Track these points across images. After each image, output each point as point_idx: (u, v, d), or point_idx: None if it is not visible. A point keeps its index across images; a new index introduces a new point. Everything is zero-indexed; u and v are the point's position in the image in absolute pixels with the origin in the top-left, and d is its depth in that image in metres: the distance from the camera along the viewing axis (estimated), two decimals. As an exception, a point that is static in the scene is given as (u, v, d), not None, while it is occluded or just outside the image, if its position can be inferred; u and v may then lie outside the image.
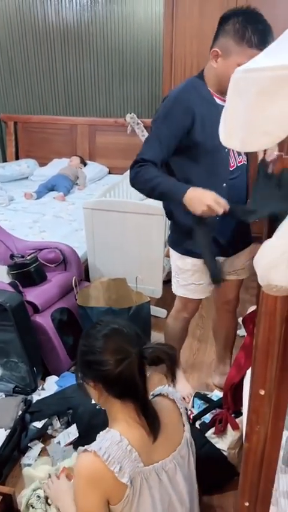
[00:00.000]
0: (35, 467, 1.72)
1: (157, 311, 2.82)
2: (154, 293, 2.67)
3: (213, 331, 2.27)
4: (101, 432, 1.18)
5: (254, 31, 1.46)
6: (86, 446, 1.13)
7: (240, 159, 1.75)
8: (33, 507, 1.42)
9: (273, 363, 0.86)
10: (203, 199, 1.46)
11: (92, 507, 1.09)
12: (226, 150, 1.67)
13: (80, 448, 1.18)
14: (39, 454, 1.85)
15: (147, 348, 1.15)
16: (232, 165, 1.71)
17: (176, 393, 1.34)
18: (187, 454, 1.26)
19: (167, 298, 2.96)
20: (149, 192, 1.63)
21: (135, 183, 1.67)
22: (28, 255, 2.44)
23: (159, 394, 1.32)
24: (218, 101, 1.69)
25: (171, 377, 1.19)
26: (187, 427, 1.29)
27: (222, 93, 1.66)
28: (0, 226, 2.66)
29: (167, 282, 3.20)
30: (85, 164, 4.38)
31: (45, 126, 4.61)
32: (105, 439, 1.12)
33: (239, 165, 1.73)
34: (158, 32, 3.94)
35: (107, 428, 1.18)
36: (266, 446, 0.96)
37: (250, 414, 0.94)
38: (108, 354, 1.13)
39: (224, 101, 1.72)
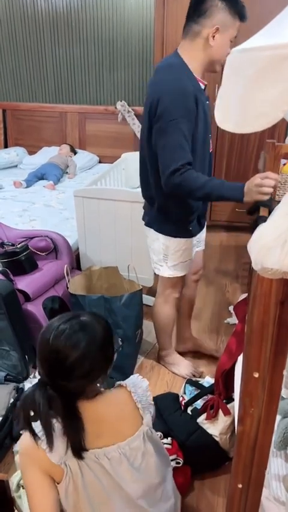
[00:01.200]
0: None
1: (148, 300, 2.81)
2: (146, 282, 2.66)
3: (182, 303, 2.32)
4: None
5: (242, 5, 1.62)
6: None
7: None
8: (23, 487, 1.42)
9: (267, 346, 0.87)
10: (257, 188, 1.49)
11: (33, 481, 1.13)
12: (210, 134, 1.78)
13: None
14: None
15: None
16: (211, 149, 1.86)
17: (139, 385, 1.28)
18: (141, 446, 1.21)
19: (156, 287, 2.97)
20: (201, 196, 1.68)
21: (182, 191, 1.67)
22: (18, 243, 2.42)
23: (122, 385, 1.28)
24: (201, 85, 1.74)
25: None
26: (146, 420, 1.23)
27: (204, 75, 1.73)
28: (-11, 214, 2.63)
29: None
30: (75, 153, 4.34)
31: (34, 113, 4.55)
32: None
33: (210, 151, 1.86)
34: (150, 18, 3.90)
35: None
36: (259, 429, 0.97)
37: (244, 397, 0.95)
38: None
39: (204, 84, 1.73)
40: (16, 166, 4.37)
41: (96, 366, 1.14)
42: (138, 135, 4.20)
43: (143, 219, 2.05)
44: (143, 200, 2.47)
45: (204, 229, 2.18)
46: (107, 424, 1.17)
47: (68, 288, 2.23)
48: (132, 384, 1.26)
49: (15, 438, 1.85)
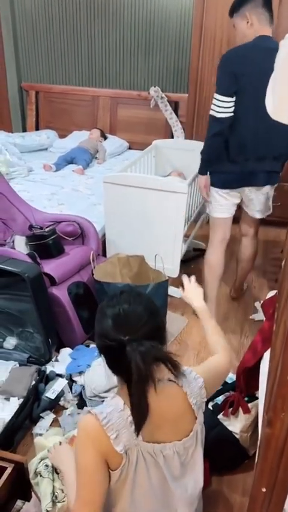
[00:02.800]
0: (46, 437, 1.73)
1: (173, 291, 2.78)
2: (171, 272, 2.64)
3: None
4: (108, 397, 1.18)
5: None
6: (90, 408, 1.14)
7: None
8: (41, 475, 1.43)
9: (304, 349, 0.83)
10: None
11: (89, 462, 1.09)
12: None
13: (85, 409, 1.19)
14: (50, 425, 1.86)
15: (140, 345, 1.08)
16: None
17: (196, 381, 1.25)
18: (193, 446, 1.22)
19: (181, 278, 2.94)
20: None
21: None
22: (46, 227, 2.42)
23: (174, 381, 1.26)
24: None
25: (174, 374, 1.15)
26: (200, 419, 1.24)
27: None
28: (20, 197, 2.64)
29: (184, 261, 3.17)
30: (105, 138, 4.31)
31: (66, 96, 4.52)
32: (109, 405, 1.12)
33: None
34: (189, 3, 3.79)
35: (114, 393, 1.18)
36: (288, 433, 0.93)
37: (275, 400, 0.91)
38: (106, 330, 1.12)
39: None
40: (46, 149, 4.37)
41: (161, 324, 1.19)
42: (170, 121, 4.13)
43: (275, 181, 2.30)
44: (173, 190, 2.43)
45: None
46: (166, 420, 1.16)
47: (93, 274, 2.21)
48: (187, 383, 1.22)
49: (35, 420, 1.87)
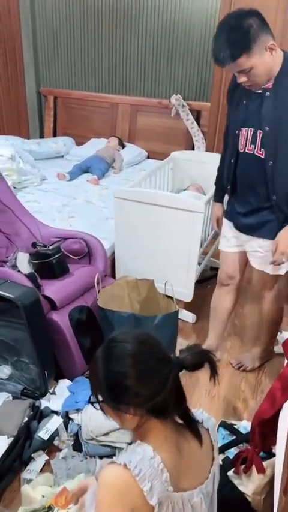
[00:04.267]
0: (35, 485, 1.57)
1: (186, 315, 2.59)
2: (184, 297, 2.44)
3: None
4: (131, 444, 1.01)
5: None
6: (113, 458, 0.97)
7: (251, 148, 1.74)
8: None
9: None
10: None
11: None
12: (237, 132, 1.77)
13: (106, 460, 1.03)
14: (41, 469, 1.68)
15: (187, 357, 1.01)
16: (241, 148, 1.77)
17: (210, 421, 1.16)
18: (211, 490, 1.10)
19: (196, 301, 2.73)
20: None
21: None
22: (51, 244, 2.26)
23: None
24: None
25: (214, 377, 1.04)
26: (216, 461, 1.11)
27: None
28: (26, 209, 2.49)
29: (200, 282, 2.96)
30: (123, 146, 4.14)
31: (85, 103, 4.38)
32: (136, 452, 0.95)
33: (246, 151, 1.76)
34: (214, 10, 3.60)
35: (138, 441, 1.00)
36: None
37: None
38: (150, 373, 0.96)
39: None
40: (62, 157, 4.23)
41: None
42: (192, 131, 3.94)
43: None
44: (189, 208, 2.24)
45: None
46: (192, 461, 1.04)
47: (97, 299, 2.04)
48: (206, 421, 1.13)
49: (25, 462, 1.70)
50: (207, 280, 2.97)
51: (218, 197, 2.09)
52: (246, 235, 1.92)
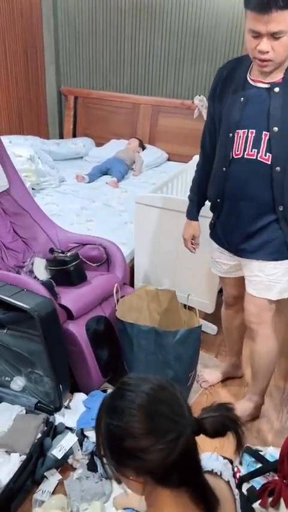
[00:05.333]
0: (47, 509, 1.48)
1: (207, 326, 2.48)
2: (206, 307, 2.33)
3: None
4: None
5: None
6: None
7: (252, 153, 1.48)
8: None
9: None
10: None
11: None
12: (231, 135, 1.51)
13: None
14: (55, 488, 1.60)
15: (207, 418, 0.84)
16: (237, 153, 1.51)
17: (227, 467, 1.02)
18: None
19: (217, 312, 2.61)
20: None
21: None
22: (69, 250, 2.17)
23: (210, 471, 1.00)
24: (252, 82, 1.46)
25: (239, 449, 0.89)
26: None
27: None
28: (44, 213, 2.41)
29: (219, 291, 2.84)
30: (144, 148, 4.04)
31: (106, 103, 4.29)
32: None
33: (246, 157, 1.50)
34: (240, 9, 3.47)
35: None
36: None
37: None
38: (155, 435, 0.80)
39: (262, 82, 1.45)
40: (82, 158, 4.15)
41: None
42: (214, 134, 3.82)
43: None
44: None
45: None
46: None
47: (116, 310, 1.94)
48: (225, 473, 0.99)
49: (37, 481, 1.62)
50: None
51: (193, 214, 1.85)
52: (242, 258, 1.67)
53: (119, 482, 0.90)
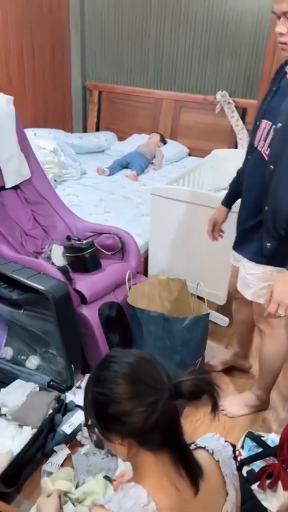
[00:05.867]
0: (55, 479, 1.57)
1: (218, 318, 2.52)
2: (217, 299, 2.37)
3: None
4: (124, 485, 0.95)
5: None
6: (102, 501, 0.90)
7: (261, 145, 1.47)
8: None
9: None
10: None
11: None
12: (257, 123, 1.51)
13: (96, 499, 0.96)
14: (63, 462, 1.68)
15: (184, 381, 0.90)
16: (257, 143, 1.51)
17: (225, 449, 1.06)
18: None
19: (230, 304, 2.65)
20: None
21: None
22: (85, 238, 2.26)
23: (203, 448, 1.05)
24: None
25: (214, 411, 0.93)
26: (231, 497, 1.01)
27: None
28: (63, 203, 2.50)
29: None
30: (165, 143, 4.09)
31: (129, 98, 4.36)
32: (129, 496, 0.88)
33: (257, 148, 1.50)
34: (266, 5, 3.47)
35: (133, 482, 0.93)
36: None
37: None
38: (135, 399, 0.87)
39: None
40: (103, 151, 4.24)
41: None
42: (236, 129, 3.84)
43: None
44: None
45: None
46: (196, 502, 0.93)
47: (127, 296, 2.01)
48: (217, 452, 1.02)
49: (47, 454, 1.71)
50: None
51: (224, 199, 1.86)
52: (236, 250, 1.68)
53: (102, 447, 0.96)
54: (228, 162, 3.16)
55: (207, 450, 1.03)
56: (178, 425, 0.92)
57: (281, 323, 1.71)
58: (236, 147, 3.83)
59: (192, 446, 1.05)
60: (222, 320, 2.52)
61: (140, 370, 0.91)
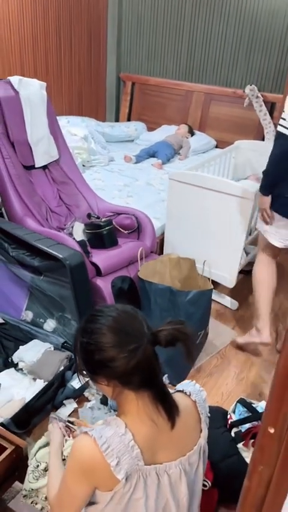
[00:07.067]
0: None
1: (228, 301, 2.64)
2: (227, 282, 2.49)
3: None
4: (107, 417, 1.11)
5: None
6: (87, 429, 1.06)
7: None
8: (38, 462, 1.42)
9: (290, 401, 0.69)
10: None
11: (78, 494, 1.03)
12: None
13: (82, 429, 1.12)
14: (70, 414, 1.86)
15: (161, 331, 1.04)
16: None
17: (200, 393, 1.20)
18: (196, 462, 1.14)
19: (242, 290, 2.77)
20: None
21: None
22: (105, 217, 2.42)
23: (181, 391, 1.20)
24: None
25: (188, 358, 1.07)
26: (204, 433, 1.16)
27: None
28: (87, 184, 2.67)
29: (249, 272, 2.98)
30: (193, 134, 4.20)
31: (161, 89, 4.50)
32: (110, 427, 1.03)
33: None
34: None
35: (114, 416, 1.09)
36: (268, 491, 0.80)
37: (255, 451, 0.79)
38: (118, 347, 1.01)
39: None
40: (133, 141, 4.39)
41: None
42: (263, 122, 3.90)
43: None
44: (239, 194, 2.28)
45: None
46: (173, 435, 1.08)
47: (138, 270, 2.17)
48: (194, 393, 1.17)
49: (57, 406, 1.89)
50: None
51: (269, 192, 2.01)
52: None
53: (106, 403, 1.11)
54: (251, 153, 3.26)
55: (185, 393, 1.17)
56: (156, 368, 1.06)
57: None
58: (263, 140, 3.89)
59: (173, 390, 1.19)
60: (232, 303, 2.64)
61: (123, 321, 1.05)
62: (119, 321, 1.04)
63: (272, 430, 0.73)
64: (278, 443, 0.73)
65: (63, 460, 1.30)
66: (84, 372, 1.09)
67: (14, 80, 2.30)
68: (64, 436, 1.39)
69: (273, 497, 0.79)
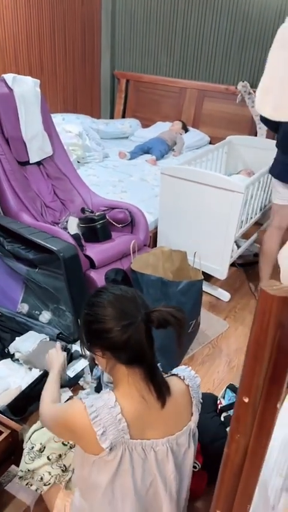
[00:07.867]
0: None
1: (220, 293, 2.69)
2: (218, 274, 2.55)
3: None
4: (103, 390, 1.18)
5: None
6: (83, 397, 1.14)
7: None
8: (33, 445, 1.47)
9: (261, 370, 0.75)
10: None
11: (61, 436, 1.24)
12: None
13: (80, 394, 1.20)
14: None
15: (154, 311, 1.11)
16: None
17: (195, 379, 1.26)
18: (186, 443, 1.19)
19: (234, 282, 2.83)
20: None
21: None
22: (99, 212, 2.47)
23: (175, 375, 1.25)
24: None
25: (178, 341, 1.14)
26: (195, 417, 1.21)
27: None
28: (82, 180, 2.72)
29: (243, 265, 3.04)
30: (186, 130, 4.25)
31: (155, 87, 4.54)
32: (101, 399, 1.10)
33: None
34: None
35: (108, 389, 1.16)
36: (246, 458, 0.85)
37: (232, 420, 0.84)
38: (114, 320, 1.09)
39: None
40: (127, 137, 4.44)
41: None
42: (256, 118, 3.95)
43: None
44: (230, 188, 2.34)
45: None
46: (164, 415, 1.14)
47: (131, 263, 2.22)
48: (188, 378, 1.23)
49: (52, 394, 1.94)
50: (249, 265, 3.04)
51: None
52: None
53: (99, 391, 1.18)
54: (242, 148, 3.32)
55: (179, 377, 1.23)
56: (147, 347, 1.11)
57: None
58: (256, 136, 3.94)
59: (168, 374, 1.25)
60: (224, 295, 2.69)
61: (122, 299, 1.13)
62: (119, 299, 1.13)
63: (246, 400, 0.78)
64: (253, 412, 0.79)
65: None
66: (85, 343, 1.18)
67: (8, 77, 2.35)
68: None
69: (250, 464, 0.85)
